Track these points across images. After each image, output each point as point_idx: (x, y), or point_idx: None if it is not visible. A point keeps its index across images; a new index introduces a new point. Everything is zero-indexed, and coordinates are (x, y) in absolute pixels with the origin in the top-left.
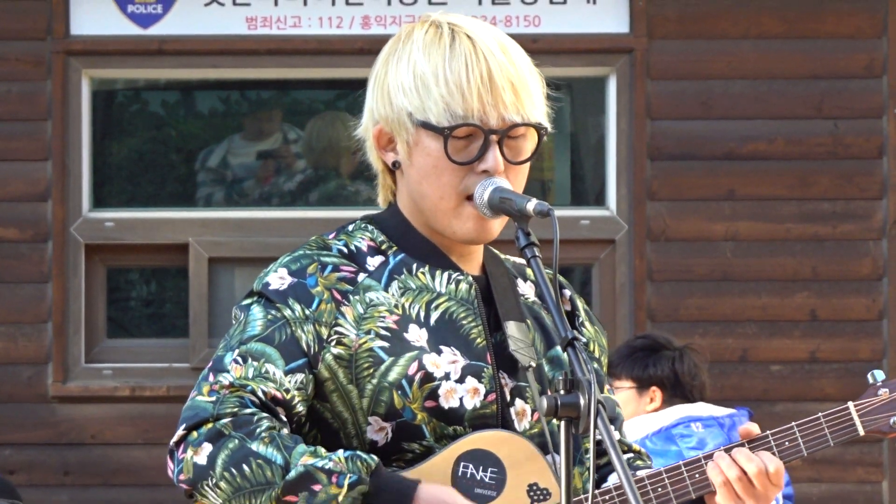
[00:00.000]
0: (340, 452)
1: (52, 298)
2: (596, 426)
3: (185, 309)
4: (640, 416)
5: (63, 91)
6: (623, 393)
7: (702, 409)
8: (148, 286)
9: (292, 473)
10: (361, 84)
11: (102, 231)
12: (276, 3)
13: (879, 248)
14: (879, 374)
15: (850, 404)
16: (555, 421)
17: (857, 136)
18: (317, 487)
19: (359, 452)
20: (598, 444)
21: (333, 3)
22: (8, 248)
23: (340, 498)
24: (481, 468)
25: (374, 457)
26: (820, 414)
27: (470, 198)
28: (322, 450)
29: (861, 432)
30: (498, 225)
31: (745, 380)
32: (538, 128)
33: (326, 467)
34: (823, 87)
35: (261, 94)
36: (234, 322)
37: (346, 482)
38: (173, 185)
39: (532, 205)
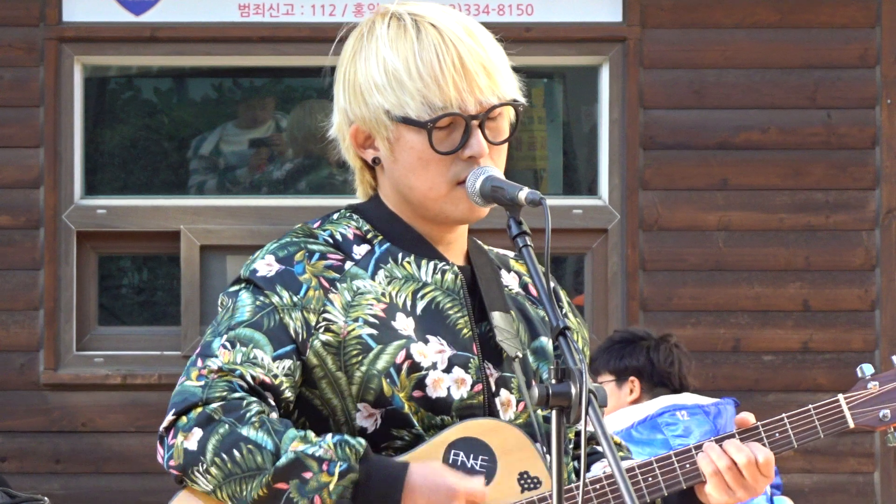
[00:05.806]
0: (329, 438)
1: (43, 285)
2: (587, 415)
3: (176, 296)
4: (624, 407)
5: (55, 78)
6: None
7: (687, 398)
8: (140, 274)
9: (283, 460)
10: None
11: (94, 218)
12: None
13: (872, 238)
14: (868, 368)
15: (841, 396)
16: (540, 412)
17: (851, 127)
18: (307, 475)
19: (346, 437)
20: (578, 434)
21: None
22: (0, 234)
23: (331, 486)
24: (472, 456)
25: (363, 441)
26: (810, 406)
27: (461, 183)
28: (312, 434)
29: (851, 425)
30: (487, 205)
31: (737, 370)
32: (515, 104)
33: (317, 454)
34: (817, 76)
35: (254, 81)
36: (220, 309)
37: (337, 470)
38: (166, 173)
39: (524, 194)
